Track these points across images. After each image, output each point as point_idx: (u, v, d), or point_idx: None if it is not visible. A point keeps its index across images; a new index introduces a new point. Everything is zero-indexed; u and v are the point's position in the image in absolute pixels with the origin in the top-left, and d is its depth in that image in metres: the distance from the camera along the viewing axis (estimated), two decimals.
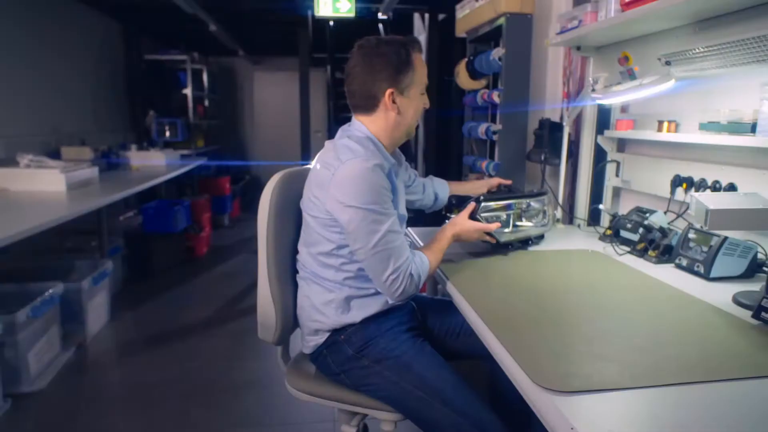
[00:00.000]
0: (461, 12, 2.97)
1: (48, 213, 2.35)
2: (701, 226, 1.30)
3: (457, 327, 1.50)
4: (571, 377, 0.90)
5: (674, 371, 0.93)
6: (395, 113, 1.34)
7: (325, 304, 1.33)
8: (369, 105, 1.34)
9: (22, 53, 3.73)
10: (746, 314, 1.17)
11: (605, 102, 1.74)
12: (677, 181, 1.74)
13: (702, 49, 1.39)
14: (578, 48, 1.98)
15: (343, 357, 1.32)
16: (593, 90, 1.60)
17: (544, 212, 1.74)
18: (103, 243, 3.35)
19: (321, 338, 1.37)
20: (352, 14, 4.34)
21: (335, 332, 1.34)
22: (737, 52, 1.30)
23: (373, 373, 1.28)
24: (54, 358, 2.61)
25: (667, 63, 1.51)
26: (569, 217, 2.27)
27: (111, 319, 3.21)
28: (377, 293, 1.34)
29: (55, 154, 3.69)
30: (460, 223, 1.48)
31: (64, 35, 4.37)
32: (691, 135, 1.63)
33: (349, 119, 1.43)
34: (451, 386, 1.23)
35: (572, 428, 0.76)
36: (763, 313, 1.12)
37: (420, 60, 1.34)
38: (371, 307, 1.34)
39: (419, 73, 1.34)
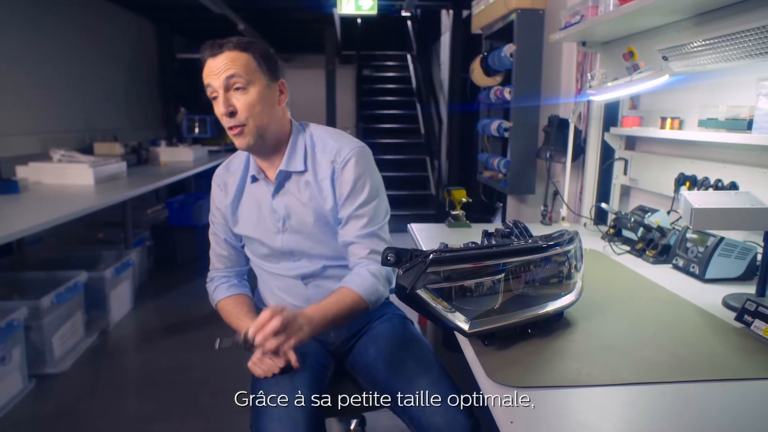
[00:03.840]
0: (476, 8, 2.95)
1: (73, 205, 2.49)
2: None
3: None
4: (530, 373, 0.91)
5: (637, 371, 0.92)
6: None
7: None
8: None
9: (59, 53, 3.92)
10: (732, 317, 1.13)
11: (598, 98, 1.71)
12: (681, 180, 1.69)
13: (699, 44, 1.35)
14: (584, 43, 1.95)
15: None
16: (590, 86, 1.57)
17: (570, 271, 1.05)
18: (128, 235, 3.49)
19: None
20: (374, 11, 4.36)
21: None
22: (731, 46, 1.25)
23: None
24: (78, 342, 2.74)
25: (665, 58, 1.47)
26: (576, 216, 2.23)
27: (134, 307, 3.35)
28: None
29: (88, 150, 3.88)
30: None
31: (99, 35, 4.57)
32: (690, 132, 1.58)
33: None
34: (267, 382, 1.14)
35: (511, 422, 0.76)
36: (745, 316, 1.09)
37: (208, 62, 1.16)
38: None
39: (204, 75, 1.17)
